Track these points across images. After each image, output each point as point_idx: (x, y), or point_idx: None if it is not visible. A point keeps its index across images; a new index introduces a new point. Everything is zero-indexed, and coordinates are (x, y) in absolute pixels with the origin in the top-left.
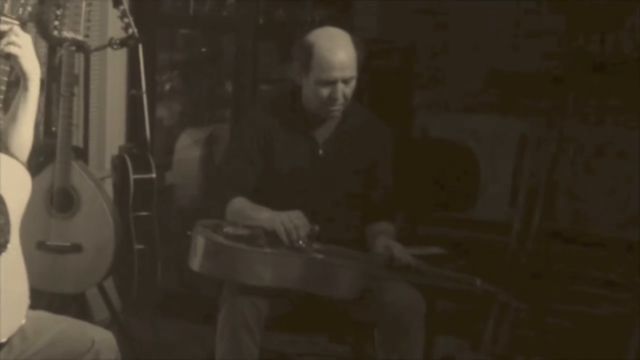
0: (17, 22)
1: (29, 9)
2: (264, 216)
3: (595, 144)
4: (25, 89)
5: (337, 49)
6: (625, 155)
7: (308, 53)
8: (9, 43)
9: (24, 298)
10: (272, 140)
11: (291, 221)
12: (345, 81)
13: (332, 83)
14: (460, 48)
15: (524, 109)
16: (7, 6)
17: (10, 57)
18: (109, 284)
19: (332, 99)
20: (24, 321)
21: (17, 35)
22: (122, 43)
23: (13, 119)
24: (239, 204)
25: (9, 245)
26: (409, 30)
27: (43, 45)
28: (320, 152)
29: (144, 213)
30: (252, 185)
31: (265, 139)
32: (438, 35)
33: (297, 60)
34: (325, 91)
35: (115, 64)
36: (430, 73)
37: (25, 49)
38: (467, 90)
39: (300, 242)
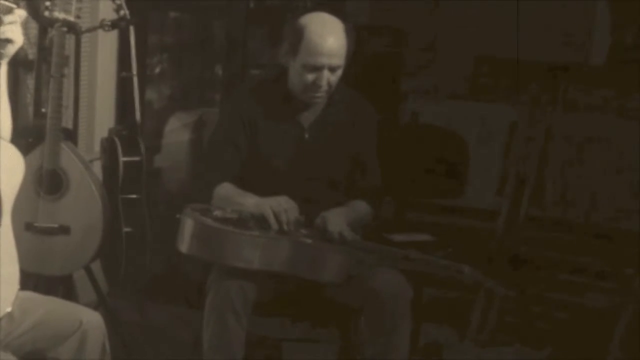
0: (15, 6)
1: None
2: (251, 201)
3: (585, 133)
4: None
5: (328, 36)
6: (615, 145)
7: (298, 35)
8: (10, 28)
9: (14, 281)
10: (257, 125)
11: (280, 205)
12: (332, 69)
13: (318, 69)
14: (451, 34)
15: (514, 96)
16: None
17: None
18: (96, 266)
19: (315, 86)
20: (9, 309)
21: (15, 21)
22: (114, 25)
23: None
24: (226, 190)
25: (0, 228)
26: (399, 16)
27: (34, 25)
28: (306, 136)
29: (133, 196)
30: (237, 170)
31: (251, 123)
32: (429, 22)
33: (287, 41)
34: (310, 76)
35: (106, 45)
36: (420, 59)
37: (20, 34)
38: (457, 77)
39: (289, 227)
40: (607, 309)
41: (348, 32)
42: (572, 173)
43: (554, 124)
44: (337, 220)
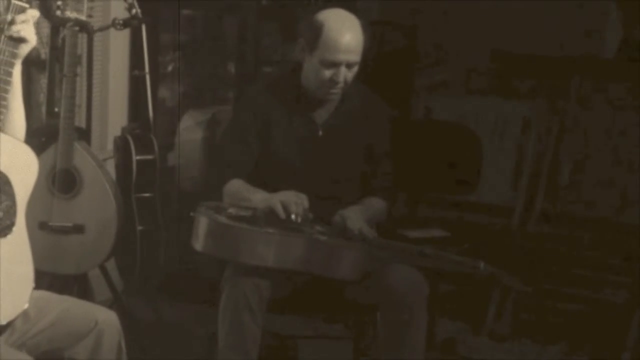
0: (27, 5)
1: None
2: (259, 197)
3: (599, 128)
4: (12, 74)
5: (346, 32)
6: (629, 139)
7: (316, 31)
8: (22, 27)
9: (29, 281)
10: (271, 122)
11: (289, 197)
12: (349, 65)
13: (336, 65)
14: (463, 29)
15: (528, 91)
16: None
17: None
18: (111, 265)
19: (333, 82)
20: (26, 305)
21: (27, 20)
22: (126, 23)
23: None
24: (235, 186)
25: (14, 228)
26: (411, 11)
27: (46, 25)
28: (320, 133)
29: (146, 194)
30: (250, 167)
31: (264, 120)
32: (441, 16)
33: (304, 37)
34: (327, 73)
35: (118, 44)
36: (433, 55)
37: (32, 33)
38: (470, 72)
39: (297, 218)
40: (623, 304)
41: (364, 28)
42: (586, 168)
43: (568, 118)
44: (356, 217)
